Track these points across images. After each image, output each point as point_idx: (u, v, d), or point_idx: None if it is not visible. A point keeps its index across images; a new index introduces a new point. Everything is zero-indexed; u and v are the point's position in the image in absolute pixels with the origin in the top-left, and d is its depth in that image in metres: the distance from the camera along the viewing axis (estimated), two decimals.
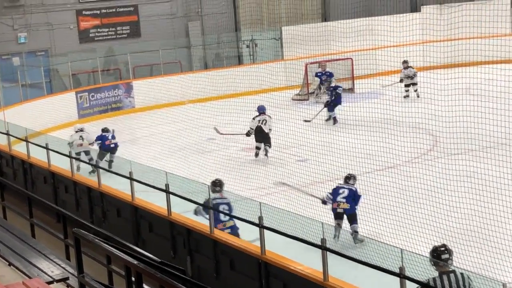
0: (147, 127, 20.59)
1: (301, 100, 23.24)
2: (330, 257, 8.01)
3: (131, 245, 8.16)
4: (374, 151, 14.51)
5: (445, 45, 19.47)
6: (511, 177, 10.94)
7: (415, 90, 21.61)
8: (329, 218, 10.97)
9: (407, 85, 21.96)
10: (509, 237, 9.65)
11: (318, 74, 23.06)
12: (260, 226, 8.87)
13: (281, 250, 8.94)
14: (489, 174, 11.91)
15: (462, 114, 13.61)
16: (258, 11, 27.03)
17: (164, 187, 10.85)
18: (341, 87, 20.68)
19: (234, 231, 10.44)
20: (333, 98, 19.82)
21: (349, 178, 11.45)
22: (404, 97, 21.50)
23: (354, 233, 10.77)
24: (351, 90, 24.11)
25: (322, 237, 8.01)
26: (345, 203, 11.03)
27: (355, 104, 18.36)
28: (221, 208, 10.41)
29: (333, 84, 21.52)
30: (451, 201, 11.14)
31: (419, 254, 7.59)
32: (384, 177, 13.33)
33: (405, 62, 21.87)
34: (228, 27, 27.29)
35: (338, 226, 10.89)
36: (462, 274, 6.79)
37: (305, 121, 18.66)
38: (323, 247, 7.98)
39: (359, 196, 11.15)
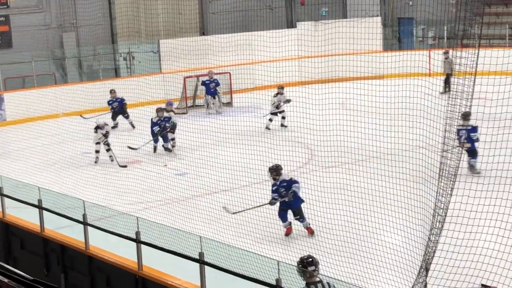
0: (19, 141, 19.82)
1: (180, 113, 23.11)
2: (210, 270, 7.97)
3: (1, 263, 7.79)
4: (252, 164, 14.62)
5: (320, 60, 19.97)
6: (383, 189, 11.30)
7: (283, 118, 19.97)
8: (208, 232, 10.92)
9: (273, 114, 20.01)
10: (381, 248, 9.94)
11: (206, 82, 23.14)
12: (137, 241, 8.73)
13: (160, 265, 8.83)
14: (362, 187, 12.29)
15: (336, 128, 13.99)
16: (136, 24, 26.71)
17: (37, 203, 10.47)
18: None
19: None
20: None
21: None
22: (266, 128, 19.61)
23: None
24: (229, 104, 24.28)
25: (200, 251, 7.97)
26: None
27: (233, 118, 18.48)
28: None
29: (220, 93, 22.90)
30: (326, 213, 11.38)
31: (294, 266, 7.69)
32: (261, 190, 13.44)
33: (281, 88, 20.59)
34: (105, 39, 26.79)
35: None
36: (328, 283, 6.90)
37: (130, 148, 17.53)
38: (200, 261, 7.94)
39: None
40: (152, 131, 17.79)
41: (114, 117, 21.45)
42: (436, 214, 6.55)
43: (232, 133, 17.49)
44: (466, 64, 6.80)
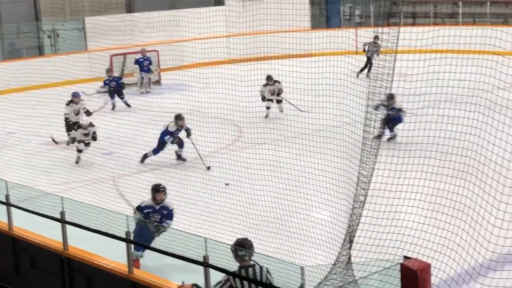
0: None
1: (106, 92, 22.76)
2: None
3: None
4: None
5: (248, 38, 19.97)
6: (310, 166, 11.43)
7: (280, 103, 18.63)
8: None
9: (269, 100, 18.56)
10: (309, 223, 10.06)
11: (139, 60, 22.89)
12: (62, 221, 8.59)
13: (87, 245, 8.72)
14: (290, 163, 12.42)
15: (265, 105, 14.11)
16: (60, 1, 26.11)
17: None
18: None
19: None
20: None
21: None
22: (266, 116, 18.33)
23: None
24: (157, 82, 24.06)
25: (126, 230, 7.90)
26: None
27: (162, 96, 18.31)
28: None
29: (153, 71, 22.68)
30: (255, 190, 11.44)
31: (222, 243, 7.72)
32: (190, 168, 13.44)
33: (269, 77, 18.67)
34: (28, 16, 26.08)
35: None
36: (261, 267, 6.88)
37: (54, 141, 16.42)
38: (127, 240, 7.88)
39: None
40: (162, 140, 14.65)
41: (112, 96, 20.97)
42: (359, 188, 6.68)
43: (161, 111, 17.34)
44: (389, 41, 6.91)
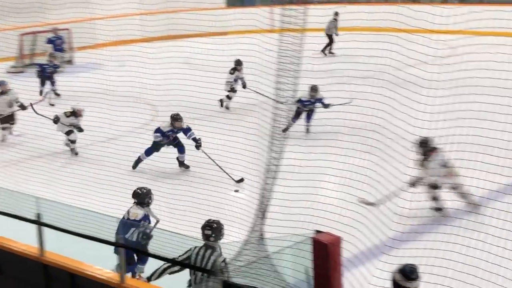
0: None
1: (17, 72, 22.19)
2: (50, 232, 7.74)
3: None
4: (95, 123, 14.35)
5: (162, 16, 19.76)
6: (225, 144, 11.46)
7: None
8: None
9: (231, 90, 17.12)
10: (220, 200, 10.10)
11: (52, 39, 22.33)
12: None
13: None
14: (205, 141, 12.45)
15: (179, 85, 14.00)
16: None
17: None
18: None
19: None
20: None
21: None
22: (225, 107, 16.95)
23: None
24: (70, 61, 23.56)
25: (37, 212, 7.73)
26: None
27: (74, 76, 17.96)
28: None
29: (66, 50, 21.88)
30: (169, 168, 11.39)
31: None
32: (107, 149, 13.27)
33: (239, 62, 17.08)
34: None
35: None
36: (218, 255, 6.97)
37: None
38: (38, 222, 7.70)
39: None
40: (154, 143, 13.26)
41: (43, 83, 19.38)
42: (271, 164, 6.75)
43: (75, 91, 17.01)
44: (298, 19, 6.95)
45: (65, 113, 14.34)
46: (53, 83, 19.28)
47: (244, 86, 16.88)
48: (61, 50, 22.66)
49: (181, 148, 13.07)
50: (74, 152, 14.23)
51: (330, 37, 21.68)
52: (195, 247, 7.00)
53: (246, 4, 28.43)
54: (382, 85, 7.97)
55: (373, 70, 8.66)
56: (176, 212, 9.58)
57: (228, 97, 17.09)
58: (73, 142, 14.32)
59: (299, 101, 13.84)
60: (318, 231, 6.36)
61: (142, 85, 15.12)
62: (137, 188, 9.00)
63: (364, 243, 7.28)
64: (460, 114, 7.86)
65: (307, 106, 14.22)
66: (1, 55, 20.43)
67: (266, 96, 14.40)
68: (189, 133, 12.83)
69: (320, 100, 14.28)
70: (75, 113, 14.35)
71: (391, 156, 7.66)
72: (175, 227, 8.70)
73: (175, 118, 13.11)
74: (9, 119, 15.23)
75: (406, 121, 7.80)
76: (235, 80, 17.05)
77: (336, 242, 5.95)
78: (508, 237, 6.82)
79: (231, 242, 7.25)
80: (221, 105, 16.78)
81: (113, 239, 7.54)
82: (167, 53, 15.59)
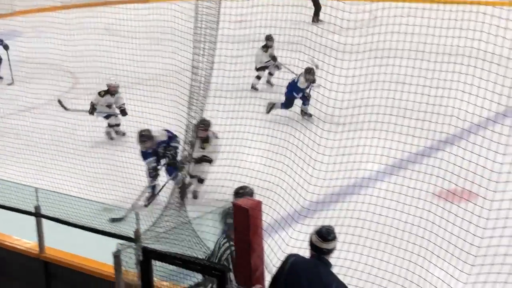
0: None
1: None
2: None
3: None
4: (16, 93, 14.05)
5: None
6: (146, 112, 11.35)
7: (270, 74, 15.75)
8: None
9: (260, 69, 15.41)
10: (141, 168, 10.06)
11: None
12: None
13: None
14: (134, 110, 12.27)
15: (100, 53, 13.81)
16: None
17: None
18: None
19: None
20: None
21: None
22: (253, 87, 15.14)
23: None
24: None
25: (36, 204, 7.43)
26: None
27: None
28: None
29: None
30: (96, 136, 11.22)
31: (58, 192, 7.57)
32: (21, 120, 12.99)
33: (269, 39, 15.13)
34: None
35: None
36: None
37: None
38: (38, 214, 7.40)
39: None
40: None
41: None
42: (189, 131, 6.77)
43: None
44: None
45: (99, 93, 12.93)
46: None
47: (278, 67, 15.21)
48: None
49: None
50: (121, 133, 13.02)
51: (316, 2, 20.16)
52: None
53: None
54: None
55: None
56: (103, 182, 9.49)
57: (258, 77, 15.25)
58: (117, 125, 13.08)
59: (298, 89, 12.79)
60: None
61: (61, 53, 14.81)
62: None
63: (284, 208, 7.39)
64: (376, 78, 8.02)
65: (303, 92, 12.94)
66: None
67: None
68: None
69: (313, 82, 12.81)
70: (109, 90, 12.92)
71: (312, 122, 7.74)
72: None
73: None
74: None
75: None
76: (270, 60, 15.23)
77: (256, 206, 6.01)
78: (421, 196, 7.05)
79: (152, 209, 7.26)
80: (253, 88, 14.95)
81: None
82: (86, 19, 15.28)
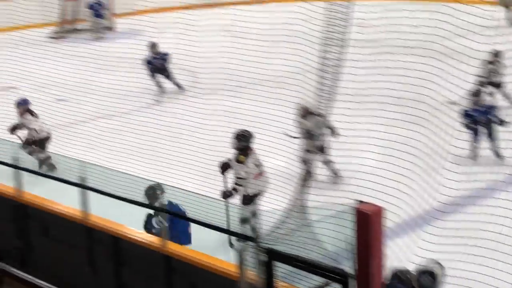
0: None
1: (59, 38, 22.37)
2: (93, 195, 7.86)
3: None
4: (133, 90, 14.47)
5: None
6: (269, 114, 11.38)
7: None
8: None
9: None
10: (265, 169, 10.10)
11: (92, 4, 22.46)
12: (15, 167, 8.50)
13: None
14: (247, 114, 12.36)
15: (219, 53, 14.08)
16: None
17: None
18: None
19: None
20: None
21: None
22: None
23: None
24: (110, 28, 23.64)
25: (81, 176, 7.83)
26: None
27: (115, 43, 18.04)
28: None
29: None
30: (210, 140, 11.40)
31: (182, 189, 7.76)
32: (144, 117, 13.36)
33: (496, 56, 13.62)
34: None
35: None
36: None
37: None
38: (82, 186, 7.79)
39: None
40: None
41: (153, 76, 17.02)
42: (316, 135, 6.75)
43: (113, 59, 17.08)
44: None
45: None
46: (168, 76, 16.96)
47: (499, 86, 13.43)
48: (101, 16, 22.74)
49: None
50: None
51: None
52: None
53: None
54: (430, 55, 7.85)
55: (421, 40, 8.53)
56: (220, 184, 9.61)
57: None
58: None
59: (466, 113, 11.24)
60: (360, 201, 6.35)
61: (182, 52, 15.15)
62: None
63: (408, 213, 7.25)
64: None
65: (480, 117, 11.39)
66: (43, 20, 20.57)
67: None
68: None
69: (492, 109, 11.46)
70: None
71: (439, 127, 7.58)
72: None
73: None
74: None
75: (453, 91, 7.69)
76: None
77: (378, 212, 5.94)
78: None
79: (272, 210, 7.27)
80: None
81: None
82: (207, 20, 15.57)
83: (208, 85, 13.65)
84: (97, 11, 22.59)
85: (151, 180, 8.30)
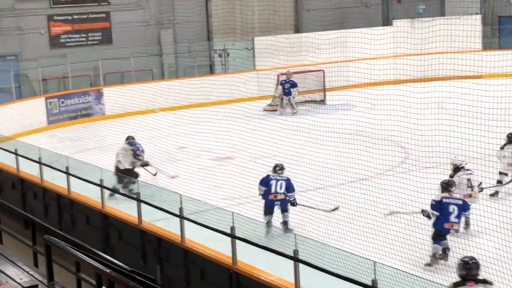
0: (118, 135, 20.40)
1: (273, 110, 23.26)
2: (303, 268, 7.97)
3: (101, 253, 8.06)
4: (346, 163, 14.54)
5: (417, 59, 19.64)
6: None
7: None
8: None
9: None
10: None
11: (282, 82, 23.22)
12: (232, 236, 8.82)
13: (253, 261, 8.90)
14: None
15: (433, 128, 13.84)
16: (231, 21, 27.00)
17: (135, 196, 10.76)
18: None
19: (284, 203, 11.41)
20: None
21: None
22: None
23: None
24: (322, 101, 24.20)
25: (294, 249, 7.97)
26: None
27: (326, 116, 18.39)
28: (278, 183, 11.51)
29: (293, 95, 22.49)
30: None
31: (391, 267, 7.61)
32: (356, 189, 13.35)
33: None
34: (201, 36, 27.17)
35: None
36: None
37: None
38: (295, 258, 7.95)
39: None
40: None
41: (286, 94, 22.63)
42: None
43: (325, 131, 17.40)
44: None
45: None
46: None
47: None
48: (288, 93, 23.06)
49: None
50: None
51: None
52: None
53: (503, 47, 27.31)
54: None
55: None
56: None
57: None
58: None
59: None
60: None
61: (394, 127, 15.10)
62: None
63: None
64: None
65: None
66: (260, 94, 21.51)
67: None
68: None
69: None
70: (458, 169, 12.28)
71: None
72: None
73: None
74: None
75: None
76: None
77: None
78: None
79: None
80: None
81: None
82: (420, 94, 15.40)
83: (420, 160, 13.39)
84: (284, 88, 23.04)
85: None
